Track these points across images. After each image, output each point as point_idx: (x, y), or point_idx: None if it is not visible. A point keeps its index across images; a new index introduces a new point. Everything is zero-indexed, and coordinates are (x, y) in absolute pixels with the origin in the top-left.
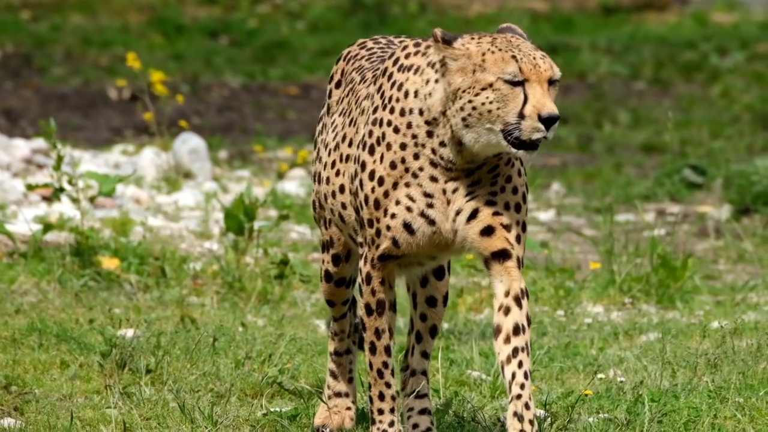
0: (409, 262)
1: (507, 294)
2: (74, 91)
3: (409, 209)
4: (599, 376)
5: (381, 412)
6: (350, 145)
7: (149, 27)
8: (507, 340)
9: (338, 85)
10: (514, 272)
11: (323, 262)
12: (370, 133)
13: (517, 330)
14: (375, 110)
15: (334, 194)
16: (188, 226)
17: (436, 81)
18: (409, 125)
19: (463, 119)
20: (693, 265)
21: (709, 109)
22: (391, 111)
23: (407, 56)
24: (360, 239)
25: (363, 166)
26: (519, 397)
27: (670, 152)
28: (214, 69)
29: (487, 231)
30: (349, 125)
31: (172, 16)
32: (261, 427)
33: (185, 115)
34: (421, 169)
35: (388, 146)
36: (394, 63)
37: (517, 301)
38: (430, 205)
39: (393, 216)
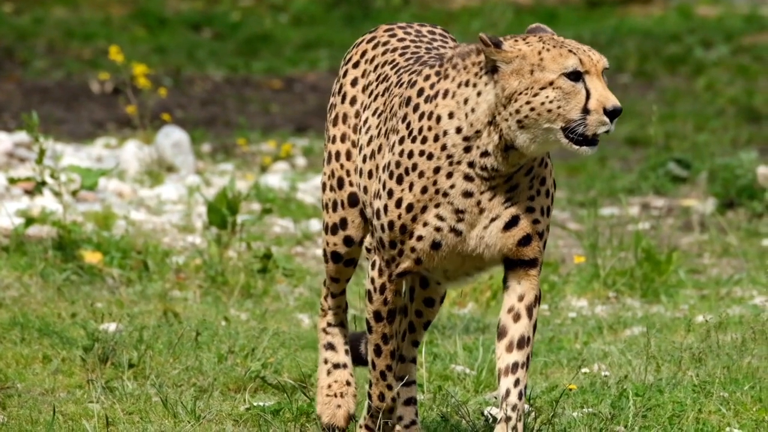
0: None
1: (521, 299)
2: (57, 85)
3: (438, 229)
4: (583, 370)
5: (378, 410)
6: (382, 155)
7: (132, 20)
8: (509, 349)
9: (356, 65)
10: (535, 280)
11: (328, 243)
12: (398, 164)
13: (521, 342)
14: (401, 141)
15: (372, 204)
16: (171, 220)
17: (479, 94)
18: (443, 147)
19: (519, 122)
20: (677, 259)
21: (694, 102)
22: (423, 141)
23: (432, 86)
24: (367, 243)
25: (390, 193)
26: (508, 419)
27: (654, 145)
28: (197, 62)
29: (525, 240)
30: (385, 136)
31: (154, 9)
32: (244, 422)
33: (168, 109)
34: (452, 186)
35: (420, 174)
36: (419, 94)
37: (529, 310)
38: (460, 220)
39: (420, 238)
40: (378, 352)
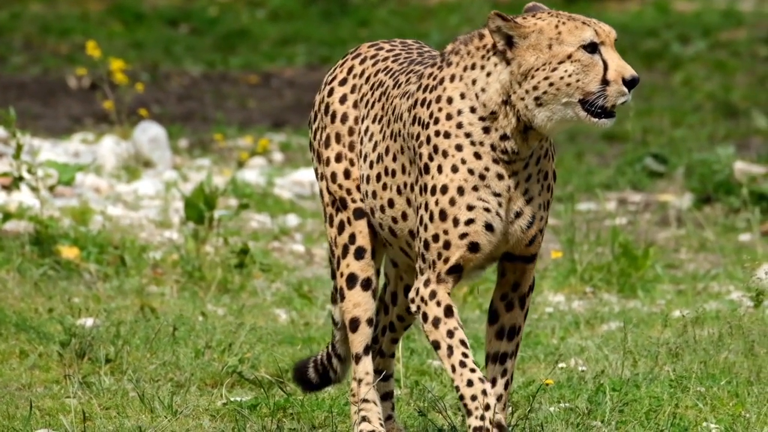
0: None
1: (515, 289)
2: (34, 80)
3: (487, 210)
4: (560, 365)
5: (474, 398)
6: (395, 159)
7: (109, 15)
8: (500, 336)
9: (343, 83)
10: (531, 272)
11: (342, 272)
12: (420, 156)
13: (512, 332)
14: (418, 137)
15: (383, 209)
16: (148, 215)
17: (488, 74)
18: (459, 125)
19: (537, 98)
20: (654, 254)
21: (671, 97)
22: (436, 122)
23: (434, 77)
24: (418, 266)
25: (424, 188)
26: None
27: (631, 141)
28: (174, 57)
29: (533, 239)
30: (391, 138)
31: (131, 4)
32: (221, 417)
33: (145, 104)
34: (487, 169)
35: (444, 154)
36: (424, 90)
37: (522, 301)
38: (500, 204)
39: (469, 222)
40: (450, 352)
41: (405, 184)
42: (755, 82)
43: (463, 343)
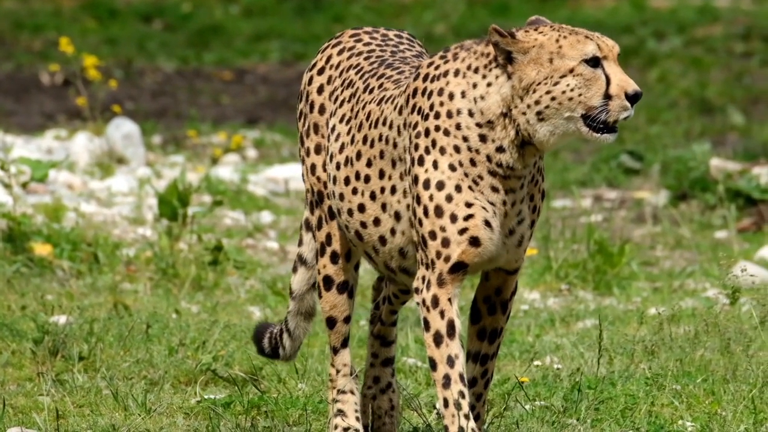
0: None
1: (498, 293)
2: (6, 76)
3: (485, 208)
4: (536, 363)
5: None
6: (369, 165)
7: (82, 11)
8: (481, 337)
9: (321, 71)
10: (513, 281)
11: (319, 271)
12: (416, 147)
13: (494, 335)
14: (415, 126)
15: (351, 212)
16: (121, 212)
17: (488, 84)
18: (458, 126)
19: (539, 113)
20: (630, 251)
21: (646, 94)
22: (437, 116)
23: (437, 67)
24: (419, 256)
25: (416, 180)
26: (472, 408)
27: None
28: (148, 54)
29: (517, 257)
30: (364, 143)
31: (105, 1)
32: (195, 415)
33: (118, 100)
34: (480, 177)
35: (442, 150)
36: (425, 79)
37: (504, 306)
38: (494, 213)
39: (469, 217)
40: (447, 383)
41: (382, 189)
42: (731, 78)
43: (461, 378)
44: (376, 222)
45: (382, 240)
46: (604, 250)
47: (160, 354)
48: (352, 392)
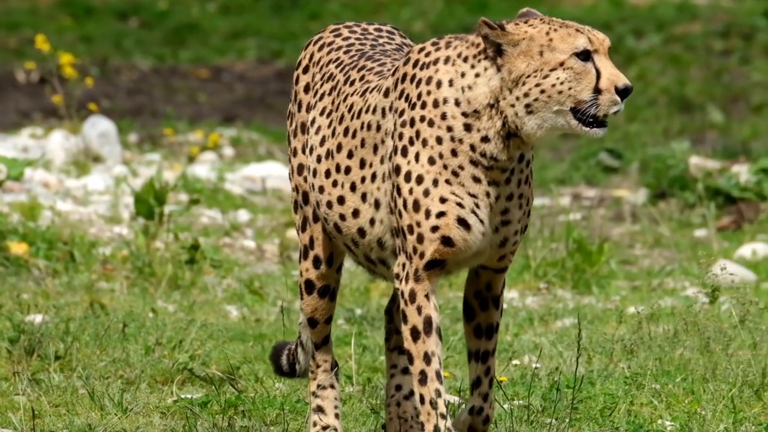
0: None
1: (488, 289)
2: None
3: (460, 205)
4: (514, 362)
5: None
6: (350, 156)
7: (58, 9)
8: (479, 335)
9: (306, 70)
10: (502, 277)
11: (301, 273)
12: (401, 136)
13: (490, 330)
14: (401, 114)
15: (330, 205)
16: (98, 211)
17: (477, 75)
18: (443, 116)
19: (527, 105)
20: (609, 250)
21: None
22: (423, 106)
23: (427, 54)
24: (396, 268)
25: (398, 170)
26: (480, 410)
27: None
28: (124, 51)
29: (503, 257)
30: (345, 135)
31: None
32: (171, 414)
33: (94, 98)
34: (461, 167)
35: (424, 142)
36: (414, 65)
37: (496, 301)
38: (477, 205)
39: (441, 215)
40: (423, 380)
41: (363, 179)
42: (710, 76)
43: (438, 376)
44: (355, 214)
45: (361, 232)
46: (583, 249)
47: (136, 353)
48: (332, 387)
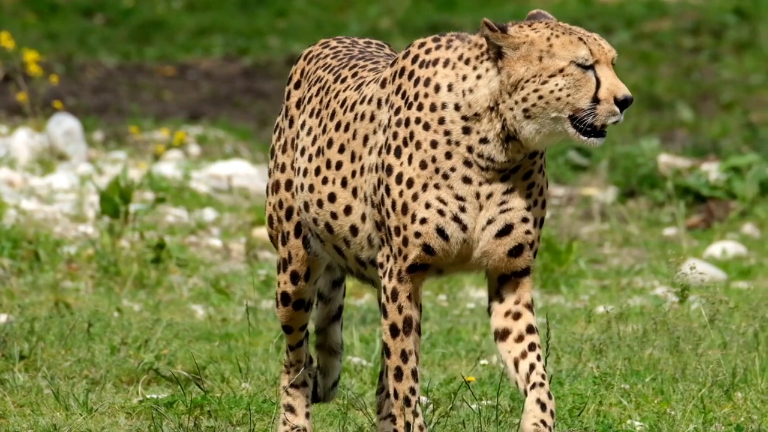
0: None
1: (517, 302)
2: None
3: (441, 213)
4: (482, 362)
5: None
6: (341, 150)
7: (22, 6)
8: (520, 339)
9: (297, 85)
10: (528, 284)
11: (279, 283)
12: (395, 135)
13: (530, 329)
14: (397, 111)
15: (320, 203)
16: (62, 209)
17: (478, 77)
18: (441, 120)
19: (525, 110)
20: (578, 249)
21: None
22: (419, 108)
23: (428, 51)
24: (380, 257)
25: (389, 170)
26: (542, 385)
27: None
28: (89, 49)
29: (516, 251)
30: (336, 129)
31: None
32: (137, 414)
33: (59, 96)
34: (452, 169)
35: (418, 145)
36: (413, 60)
37: (528, 307)
38: (462, 209)
39: (423, 221)
40: (399, 375)
41: (353, 173)
42: (680, 73)
43: (414, 374)
44: (347, 210)
45: (354, 230)
46: (552, 248)
47: (101, 353)
48: (304, 384)
